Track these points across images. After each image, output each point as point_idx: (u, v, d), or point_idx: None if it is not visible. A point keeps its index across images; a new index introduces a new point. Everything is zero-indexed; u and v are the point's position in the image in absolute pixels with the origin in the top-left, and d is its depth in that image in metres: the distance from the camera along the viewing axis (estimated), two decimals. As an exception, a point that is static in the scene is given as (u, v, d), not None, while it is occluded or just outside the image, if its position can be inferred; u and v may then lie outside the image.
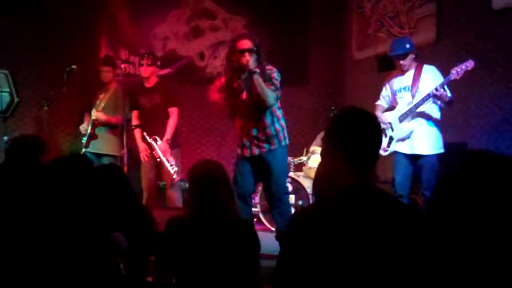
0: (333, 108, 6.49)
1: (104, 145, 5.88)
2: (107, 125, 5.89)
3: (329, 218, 1.82)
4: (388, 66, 5.74)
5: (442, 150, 4.82)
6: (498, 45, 5.41)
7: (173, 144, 5.75)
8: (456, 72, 4.56)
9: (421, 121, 4.80)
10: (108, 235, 2.50)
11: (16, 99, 6.86)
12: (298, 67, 7.91)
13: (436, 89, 4.58)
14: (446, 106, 4.75)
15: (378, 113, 5.03)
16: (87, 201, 2.25)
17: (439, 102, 4.74)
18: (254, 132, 4.50)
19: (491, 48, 5.49)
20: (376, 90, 5.27)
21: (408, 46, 4.85)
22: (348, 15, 7.94)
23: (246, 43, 4.40)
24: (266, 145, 4.51)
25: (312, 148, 6.67)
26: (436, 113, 4.81)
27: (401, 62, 4.85)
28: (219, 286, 2.60)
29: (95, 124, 5.87)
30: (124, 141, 5.71)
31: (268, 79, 4.41)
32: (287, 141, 4.63)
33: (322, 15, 7.99)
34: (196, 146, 7.53)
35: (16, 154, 3.21)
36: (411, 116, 4.80)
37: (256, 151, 4.52)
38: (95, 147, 5.90)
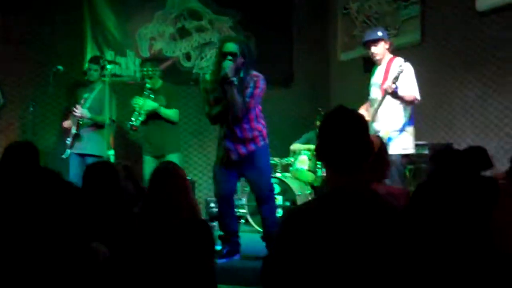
0: (319, 109, 6.50)
1: (89, 145, 5.83)
2: (93, 125, 5.85)
3: (311, 221, 1.83)
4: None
5: (409, 151, 4.74)
6: (482, 46, 5.47)
7: (175, 148, 5.77)
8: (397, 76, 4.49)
9: (386, 122, 4.71)
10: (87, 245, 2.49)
11: (1, 101, 6.81)
12: (284, 68, 7.93)
13: (387, 87, 4.52)
14: (401, 101, 4.63)
15: (360, 109, 4.87)
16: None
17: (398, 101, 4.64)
18: (238, 134, 4.47)
19: (475, 49, 5.55)
20: (362, 92, 5.30)
21: (380, 33, 4.84)
22: (333, 16, 7.97)
23: (229, 46, 4.32)
24: (253, 145, 4.51)
25: (293, 146, 6.67)
26: (400, 112, 4.71)
27: (372, 49, 4.82)
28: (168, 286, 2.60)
29: (80, 124, 5.83)
30: (111, 142, 5.67)
31: (246, 88, 4.36)
32: (267, 140, 4.65)
33: (308, 16, 8.02)
34: (183, 148, 7.50)
35: (13, 161, 3.16)
36: (380, 112, 4.73)
37: (243, 151, 4.50)
38: (80, 147, 5.86)
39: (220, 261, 4.40)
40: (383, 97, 4.65)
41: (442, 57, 5.94)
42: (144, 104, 5.56)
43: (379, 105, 4.72)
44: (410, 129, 4.76)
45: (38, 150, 3.32)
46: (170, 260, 2.60)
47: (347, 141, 1.91)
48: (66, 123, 5.97)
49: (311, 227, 1.81)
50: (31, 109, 6.23)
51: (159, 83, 5.82)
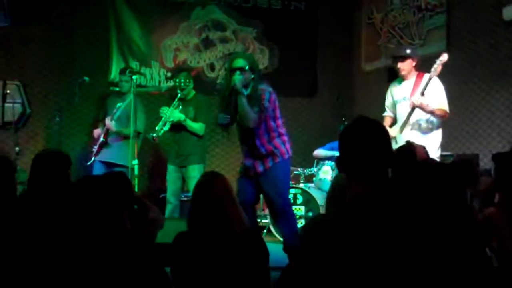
0: (343, 119, 6.48)
1: (115, 154, 5.88)
2: (120, 135, 5.90)
3: (333, 232, 1.81)
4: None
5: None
6: (509, 56, 5.40)
7: (200, 160, 5.79)
8: (434, 69, 4.57)
9: (417, 131, 4.75)
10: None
11: (28, 110, 6.91)
12: (307, 78, 7.93)
13: (415, 99, 4.57)
14: (435, 116, 4.69)
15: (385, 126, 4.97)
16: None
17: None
18: (255, 151, 4.55)
19: (501, 59, 5.48)
20: (386, 102, 5.26)
21: (408, 51, 4.87)
22: (357, 26, 7.95)
23: (237, 62, 4.47)
24: (270, 161, 4.55)
25: (317, 152, 6.60)
26: (431, 120, 4.73)
27: (399, 64, 4.83)
28: None
29: (108, 133, 5.89)
30: (136, 152, 5.70)
31: (256, 100, 4.43)
32: (290, 154, 4.66)
33: (331, 26, 8.01)
34: (208, 158, 7.52)
35: (44, 170, 3.10)
36: (409, 125, 4.76)
37: (260, 168, 4.56)
38: (106, 155, 5.91)
39: None
40: (412, 110, 4.65)
41: (468, 67, 5.87)
42: (171, 114, 5.58)
43: (408, 117, 4.73)
44: (437, 137, 4.77)
45: (70, 159, 3.30)
46: (231, 276, 2.57)
47: (368, 151, 1.90)
48: (96, 132, 6.05)
49: (333, 238, 1.78)
50: (57, 119, 6.33)
51: (191, 94, 5.82)
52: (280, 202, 4.58)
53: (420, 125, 4.74)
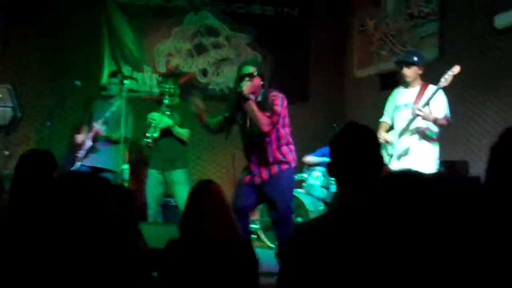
0: (334, 125, 6.48)
1: (104, 159, 5.83)
2: (109, 139, 5.85)
3: (321, 238, 1.79)
4: (391, 85, 5.74)
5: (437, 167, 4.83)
6: (501, 64, 5.41)
7: (183, 164, 5.75)
8: (445, 79, 4.59)
9: (416, 138, 4.79)
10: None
11: (18, 114, 6.87)
12: (299, 84, 7.91)
13: (419, 109, 4.61)
14: (437, 125, 4.75)
15: (381, 131, 5.02)
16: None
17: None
18: (263, 158, 4.54)
19: (493, 67, 5.49)
20: (378, 109, 5.26)
21: (415, 58, 4.91)
22: (350, 33, 7.97)
23: (246, 69, 4.49)
24: (277, 168, 4.55)
25: (307, 158, 6.64)
26: (432, 129, 4.79)
27: (404, 70, 4.86)
28: None
29: (97, 137, 5.84)
30: (126, 157, 5.67)
31: (268, 106, 4.42)
32: (296, 163, 4.70)
33: (324, 33, 8.02)
34: (197, 162, 7.50)
35: (28, 170, 3.05)
36: (409, 132, 4.79)
37: (266, 175, 4.56)
38: (94, 160, 5.85)
39: None
40: (414, 117, 4.69)
41: (461, 75, 5.88)
42: (161, 120, 5.57)
43: (409, 124, 4.77)
44: (435, 147, 4.84)
45: (55, 160, 3.25)
46: (220, 284, 2.56)
47: (358, 157, 1.91)
48: (79, 137, 5.94)
49: (322, 245, 1.77)
50: (48, 123, 6.29)
51: (176, 100, 5.82)
52: (283, 209, 4.58)
53: (419, 132, 4.76)
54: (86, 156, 5.86)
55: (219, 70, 7.71)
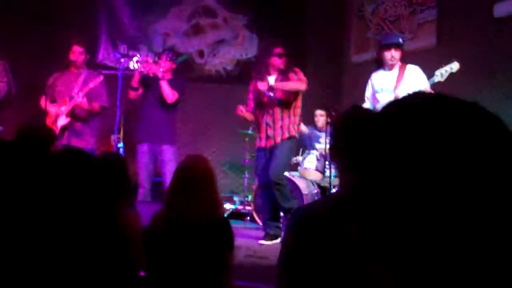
0: (331, 110, 6.47)
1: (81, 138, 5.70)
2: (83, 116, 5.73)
3: (324, 225, 1.79)
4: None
5: None
6: (498, 52, 5.42)
7: (171, 140, 5.72)
8: (441, 74, 4.54)
9: None
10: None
11: (13, 90, 6.81)
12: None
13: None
14: None
15: None
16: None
17: None
18: (277, 123, 5.08)
19: (491, 55, 5.50)
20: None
21: (400, 40, 4.89)
22: (347, 18, 7.94)
23: (280, 50, 5.28)
24: (287, 133, 5.06)
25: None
26: None
27: (393, 52, 4.78)
28: (187, 282, 2.58)
29: (71, 114, 5.70)
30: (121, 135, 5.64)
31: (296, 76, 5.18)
32: (297, 136, 5.28)
33: (322, 17, 7.98)
34: (192, 143, 7.49)
35: (26, 145, 3.06)
36: None
37: (278, 139, 5.05)
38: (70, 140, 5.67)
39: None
40: None
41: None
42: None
43: None
44: None
45: (54, 133, 3.22)
46: (194, 259, 2.56)
47: (362, 139, 1.90)
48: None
49: (325, 233, 1.74)
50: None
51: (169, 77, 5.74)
52: (274, 175, 4.94)
53: None
54: (62, 135, 5.66)
55: (215, 51, 7.67)
